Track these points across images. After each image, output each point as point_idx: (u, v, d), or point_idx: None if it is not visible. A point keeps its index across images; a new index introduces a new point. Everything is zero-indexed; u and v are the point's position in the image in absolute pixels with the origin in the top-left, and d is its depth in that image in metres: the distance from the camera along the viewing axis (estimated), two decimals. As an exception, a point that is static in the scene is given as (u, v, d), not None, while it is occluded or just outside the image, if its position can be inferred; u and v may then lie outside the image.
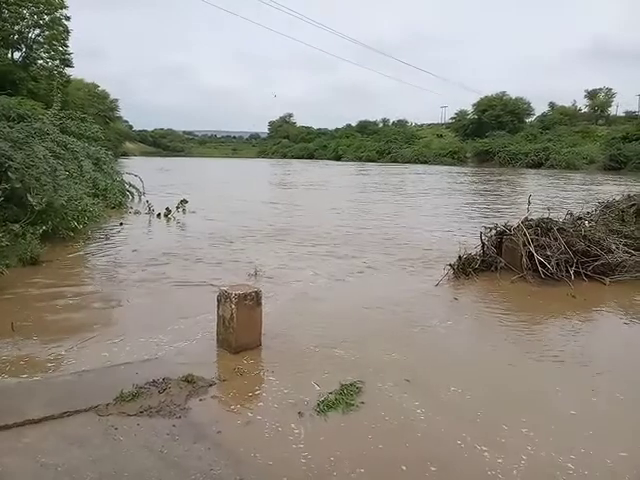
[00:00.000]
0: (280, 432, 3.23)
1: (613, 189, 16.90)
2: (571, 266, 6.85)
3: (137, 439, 3.11)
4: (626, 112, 65.84)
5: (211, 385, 3.84)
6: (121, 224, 11.45)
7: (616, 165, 44.90)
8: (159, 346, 4.57)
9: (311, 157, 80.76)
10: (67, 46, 41.14)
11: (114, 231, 10.64)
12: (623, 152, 45.26)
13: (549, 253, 6.93)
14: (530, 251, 6.98)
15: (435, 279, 6.86)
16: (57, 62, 41.05)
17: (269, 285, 6.45)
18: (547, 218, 7.51)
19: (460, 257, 7.14)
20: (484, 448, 3.06)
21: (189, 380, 3.85)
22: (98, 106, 57.82)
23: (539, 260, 6.79)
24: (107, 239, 9.74)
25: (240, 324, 4.39)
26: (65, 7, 39.31)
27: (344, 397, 3.62)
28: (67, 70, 42.33)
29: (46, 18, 39.26)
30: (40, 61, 40.85)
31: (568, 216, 8.21)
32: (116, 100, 71.22)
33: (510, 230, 7.41)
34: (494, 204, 17.80)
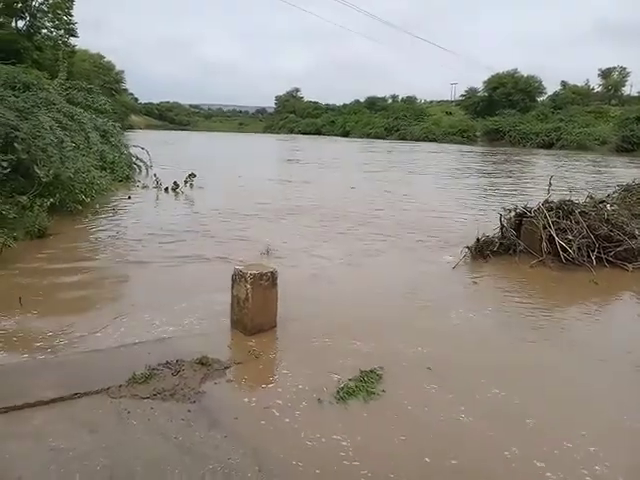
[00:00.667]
0: (299, 420, 3.09)
1: (634, 172, 16.39)
2: (593, 251, 6.65)
3: (151, 424, 2.98)
4: (640, 92, 64.34)
5: (226, 368, 3.70)
6: (129, 198, 11.29)
7: (629, 147, 44.06)
8: (170, 325, 4.42)
9: (318, 133, 79.90)
10: (72, 15, 40.25)
11: (122, 205, 10.48)
12: (636, 133, 44.34)
13: (570, 237, 6.71)
14: (550, 235, 6.77)
15: (453, 261, 6.67)
16: (62, 32, 40.26)
17: (281, 265, 6.26)
18: (569, 200, 7.28)
19: (478, 239, 6.93)
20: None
21: (203, 362, 3.71)
22: (104, 78, 57.16)
23: (560, 244, 6.58)
24: (115, 213, 9.59)
25: (255, 305, 4.23)
26: (69, -25, 38.42)
27: (364, 384, 3.47)
28: (72, 40, 41.61)
29: (50, -15, 38.42)
30: (44, 30, 40.03)
31: (589, 199, 7.97)
32: (122, 72, 70.56)
33: (530, 212, 7.18)
34: (516, 185, 17.25)
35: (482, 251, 6.90)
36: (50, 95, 11.51)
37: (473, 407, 3.28)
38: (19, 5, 38.00)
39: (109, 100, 17.20)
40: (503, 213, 7.39)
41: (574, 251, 6.57)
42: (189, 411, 3.14)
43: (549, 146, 50.04)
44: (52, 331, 4.22)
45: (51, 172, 7.98)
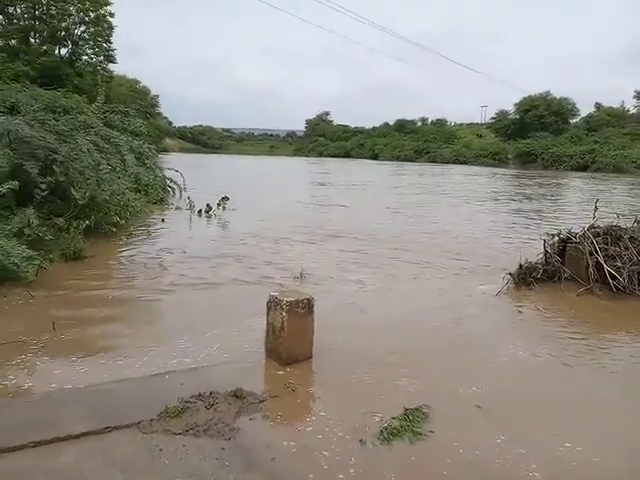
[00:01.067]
0: (341, 462, 2.86)
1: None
2: (645, 279, 6.26)
3: (184, 464, 2.80)
4: (678, 113, 62.44)
5: (261, 402, 3.50)
6: (162, 220, 11.35)
7: (667, 169, 42.79)
8: (203, 354, 4.28)
9: (347, 156, 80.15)
10: (111, 42, 41.86)
11: (156, 227, 10.53)
12: (675, 155, 43.08)
13: (619, 264, 6.35)
14: (597, 261, 6.42)
15: (493, 289, 6.37)
16: (101, 58, 41.82)
17: (313, 291, 6.07)
18: (616, 225, 6.92)
19: (521, 265, 6.61)
20: None
21: (238, 395, 3.53)
22: (140, 102, 58.80)
23: (609, 272, 6.22)
24: (149, 235, 9.61)
25: (291, 333, 4.05)
26: (109, 4, 39.94)
27: (409, 424, 3.22)
28: (110, 66, 43.15)
29: (91, 15, 39.99)
30: (85, 57, 41.67)
31: (636, 224, 7.57)
32: (156, 96, 72.60)
33: (575, 237, 6.84)
34: (557, 212, 16.36)
35: (525, 278, 6.58)
36: (88, 118, 11.73)
37: (533, 452, 2.98)
38: (62, 34, 39.68)
39: (145, 122, 17.48)
40: (546, 238, 7.06)
41: (624, 279, 6.21)
42: (223, 449, 2.95)
43: (583, 169, 48.96)
44: (83, 358, 4.13)
45: (87, 194, 8.06)
